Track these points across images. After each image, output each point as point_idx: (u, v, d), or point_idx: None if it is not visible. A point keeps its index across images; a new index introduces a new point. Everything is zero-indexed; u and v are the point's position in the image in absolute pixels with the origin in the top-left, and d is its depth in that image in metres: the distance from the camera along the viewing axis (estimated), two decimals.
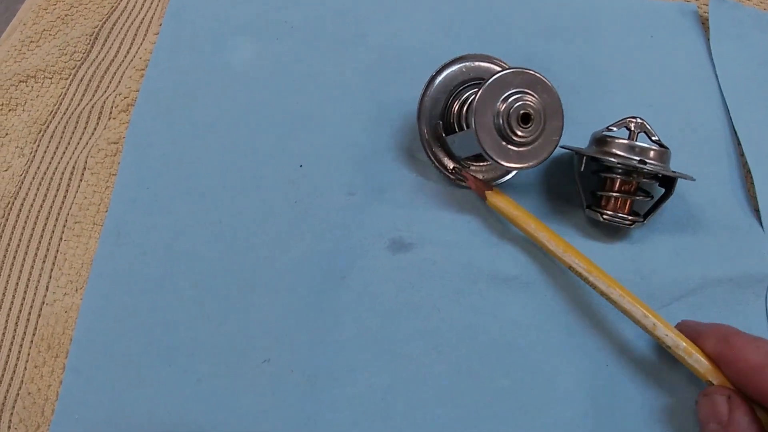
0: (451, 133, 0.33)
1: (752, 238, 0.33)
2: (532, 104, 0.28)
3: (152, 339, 0.30)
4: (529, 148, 0.29)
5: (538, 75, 0.29)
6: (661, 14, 0.40)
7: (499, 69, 0.29)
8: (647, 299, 0.31)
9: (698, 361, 0.28)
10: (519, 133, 0.28)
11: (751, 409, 0.26)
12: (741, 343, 0.26)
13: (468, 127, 0.31)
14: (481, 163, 0.34)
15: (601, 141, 0.31)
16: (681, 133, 0.36)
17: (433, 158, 0.33)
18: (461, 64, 0.33)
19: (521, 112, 0.28)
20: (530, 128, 0.28)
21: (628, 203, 0.32)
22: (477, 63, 0.33)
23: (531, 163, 0.29)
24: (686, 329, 0.29)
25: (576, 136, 0.34)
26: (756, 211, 0.34)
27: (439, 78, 0.33)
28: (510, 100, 0.28)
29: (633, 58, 0.38)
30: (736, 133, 0.36)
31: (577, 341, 0.31)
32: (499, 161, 0.29)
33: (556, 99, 0.29)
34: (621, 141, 0.31)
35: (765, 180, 0.35)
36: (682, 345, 0.28)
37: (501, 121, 0.28)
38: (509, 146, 0.29)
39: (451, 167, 0.33)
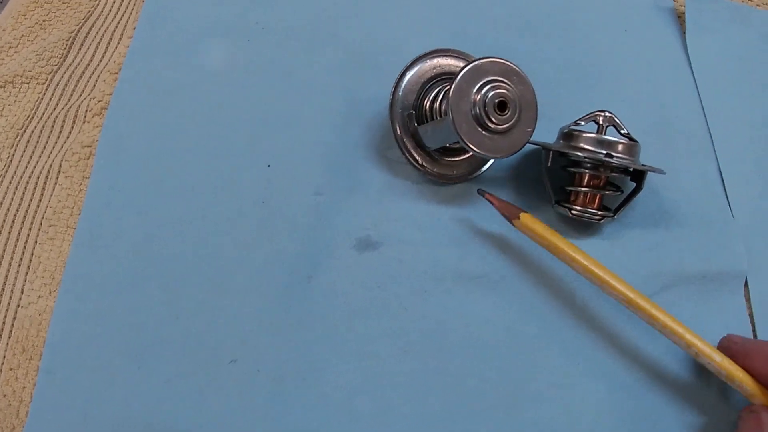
0: (423, 124, 0.33)
1: (727, 233, 0.33)
2: (508, 93, 0.28)
3: (123, 340, 0.30)
4: (504, 137, 0.29)
5: (514, 66, 0.29)
6: (637, 9, 0.39)
7: (474, 59, 0.29)
8: None
9: (741, 386, 0.27)
10: (494, 120, 0.28)
11: None
12: None
13: (442, 115, 0.31)
14: (453, 158, 0.34)
15: (568, 135, 0.31)
16: (656, 127, 0.36)
17: (404, 150, 0.33)
18: (434, 59, 0.33)
19: (497, 99, 0.28)
20: (506, 116, 0.28)
21: (598, 198, 0.31)
22: (448, 60, 0.33)
23: (505, 153, 0.29)
24: (734, 346, 0.28)
25: (549, 132, 0.34)
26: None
27: (411, 71, 0.33)
28: (486, 87, 0.28)
29: (608, 53, 0.38)
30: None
31: (545, 339, 0.31)
32: (474, 148, 0.28)
33: (530, 90, 0.29)
34: (588, 135, 0.30)
35: (734, 175, 0.35)
36: (723, 373, 0.27)
37: (477, 107, 0.28)
38: (484, 133, 0.28)
39: (421, 163, 0.33)
